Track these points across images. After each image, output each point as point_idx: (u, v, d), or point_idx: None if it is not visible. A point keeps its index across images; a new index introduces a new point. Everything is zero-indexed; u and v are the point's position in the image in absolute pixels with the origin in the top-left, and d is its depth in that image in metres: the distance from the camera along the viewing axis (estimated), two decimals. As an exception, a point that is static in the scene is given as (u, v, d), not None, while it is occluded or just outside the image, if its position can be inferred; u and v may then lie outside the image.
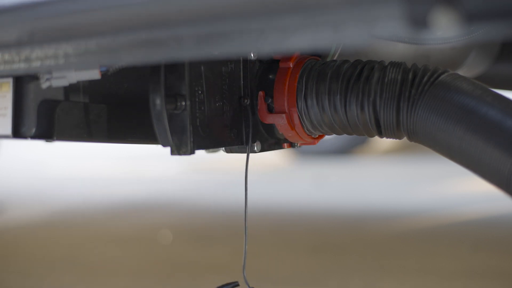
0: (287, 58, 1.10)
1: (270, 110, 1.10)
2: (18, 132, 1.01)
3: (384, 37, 0.66)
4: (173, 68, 1.01)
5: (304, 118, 1.09)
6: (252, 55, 1.10)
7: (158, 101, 0.98)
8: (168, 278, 2.17)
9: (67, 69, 0.97)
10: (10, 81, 1.02)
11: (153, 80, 1.00)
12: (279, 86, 1.10)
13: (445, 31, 0.62)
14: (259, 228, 2.64)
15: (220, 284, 1.10)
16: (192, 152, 1.01)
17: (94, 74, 0.99)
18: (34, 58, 0.90)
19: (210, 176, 4.29)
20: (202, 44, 0.77)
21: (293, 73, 1.09)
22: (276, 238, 2.61)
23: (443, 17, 0.61)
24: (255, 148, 1.12)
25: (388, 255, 2.30)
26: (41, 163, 5.30)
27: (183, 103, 1.00)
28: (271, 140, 1.15)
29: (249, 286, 1.11)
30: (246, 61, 1.10)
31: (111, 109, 1.13)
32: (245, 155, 1.12)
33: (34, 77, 1.02)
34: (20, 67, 0.92)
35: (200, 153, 1.11)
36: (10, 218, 3.27)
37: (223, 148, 1.15)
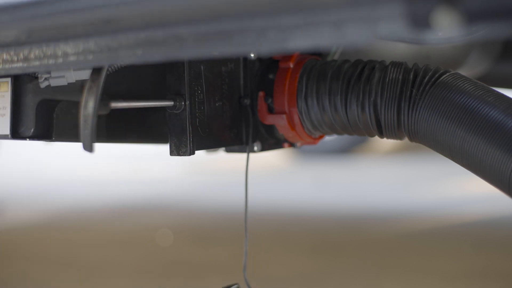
0: (287, 58, 1.09)
1: (270, 110, 1.10)
2: (16, 133, 1.01)
3: (386, 37, 0.66)
4: (173, 68, 1.00)
5: (305, 118, 1.08)
6: (252, 55, 1.09)
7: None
8: (168, 279, 2.16)
9: (65, 69, 0.97)
10: (8, 80, 1.01)
11: None
12: (279, 86, 1.09)
13: (446, 31, 0.62)
14: (258, 228, 2.64)
15: (220, 286, 1.09)
16: (192, 152, 1.00)
17: (93, 74, 0.98)
18: (32, 58, 0.90)
19: (210, 177, 4.29)
20: (202, 44, 0.77)
21: (293, 73, 1.09)
22: (275, 238, 2.60)
23: (445, 17, 0.61)
24: (255, 148, 1.12)
25: (388, 255, 2.30)
26: (41, 163, 5.30)
27: (183, 103, 1.00)
28: (271, 140, 1.14)
29: (249, 287, 1.10)
30: (246, 61, 1.10)
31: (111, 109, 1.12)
32: (244, 155, 1.11)
33: (32, 77, 1.01)
34: (19, 66, 0.92)
35: (200, 154, 1.10)
36: (10, 218, 3.27)
37: (223, 148, 1.14)
